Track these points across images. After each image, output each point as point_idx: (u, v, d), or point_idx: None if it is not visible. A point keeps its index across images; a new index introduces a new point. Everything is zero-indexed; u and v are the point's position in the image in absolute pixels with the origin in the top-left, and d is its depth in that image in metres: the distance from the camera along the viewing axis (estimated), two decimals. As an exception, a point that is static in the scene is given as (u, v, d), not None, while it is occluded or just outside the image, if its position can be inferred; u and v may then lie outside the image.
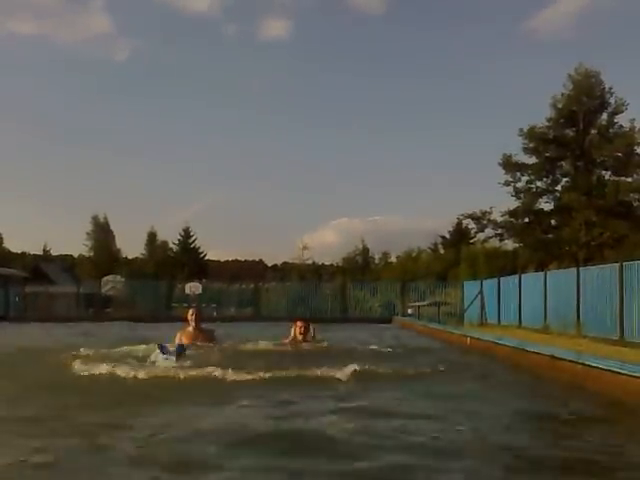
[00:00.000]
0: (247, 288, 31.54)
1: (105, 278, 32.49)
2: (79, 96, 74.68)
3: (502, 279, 21.63)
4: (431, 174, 74.80)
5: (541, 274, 18.30)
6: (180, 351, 7.25)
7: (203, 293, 29.53)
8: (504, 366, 8.45)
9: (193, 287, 29.68)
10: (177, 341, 8.81)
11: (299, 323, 9.49)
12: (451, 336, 13.47)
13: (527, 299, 18.67)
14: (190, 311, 9.02)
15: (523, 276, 19.80)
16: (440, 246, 52.79)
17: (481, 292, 22.73)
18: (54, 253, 63.44)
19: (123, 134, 74.93)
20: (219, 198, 78.18)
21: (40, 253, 61.15)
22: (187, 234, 56.37)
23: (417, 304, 25.47)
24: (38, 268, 48.38)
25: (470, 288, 25.09)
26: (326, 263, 58.53)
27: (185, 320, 9.11)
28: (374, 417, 4.66)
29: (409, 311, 26.49)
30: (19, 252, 60.99)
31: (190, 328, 8.84)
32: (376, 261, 57.49)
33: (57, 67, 73.70)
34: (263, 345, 9.20)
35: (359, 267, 53.45)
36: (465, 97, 69.28)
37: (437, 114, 70.33)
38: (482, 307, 22.42)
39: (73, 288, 32.53)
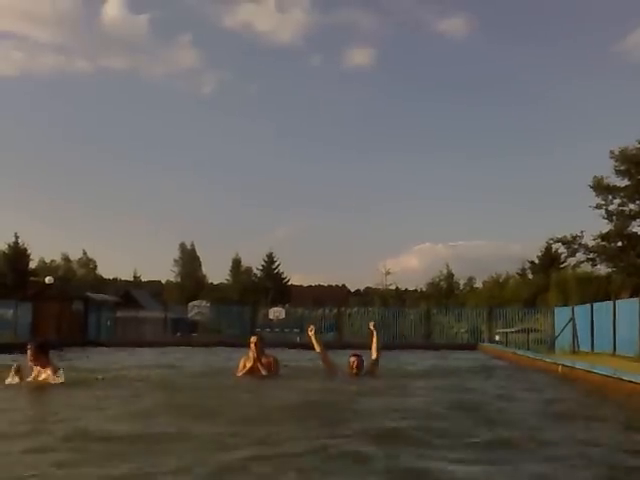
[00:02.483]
0: (330, 313, 31.38)
1: (191, 303, 33.13)
2: (166, 127, 77.67)
3: (595, 305, 20.56)
4: (518, 198, 73.02)
5: (636, 300, 17.27)
6: None
7: (286, 318, 29.54)
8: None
9: (276, 312, 29.78)
10: (240, 367, 8.75)
11: (352, 358, 9.04)
12: (542, 364, 12.81)
13: (622, 326, 17.64)
14: (252, 338, 8.80)
15: (617, 302, 18.75)
16: (528, 271, 51.09)
17: (573, 319, 21.68)
18: (144, 279, 65.66)
19: (209, 163, 77.30)
20: (302, 224, 78.98)
21: (131, 279, 63.43)
22: (271, 260, 57.03)
23: (505, 330, 24.60)
24: (129, 294, 50.02)
25: (561, 314, 23.99)
26: (409, 288, 57.82)
27: (248, 346, 8.81)
28: None
29: (496, 338, 25.61)
30: (111, 278, 63.46)
31: (252, 355, 8.64)
32: (461, 286, 56.25)
33: (147, 100, 76.95)
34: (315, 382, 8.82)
35: (443, 292, 52.40)
36: (553, 119, 67.56)
37: (523, 138, 69.03)
38: (574, 334, 21.36)
39: (161, 313, 33.34)
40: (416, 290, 57.08)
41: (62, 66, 71.06)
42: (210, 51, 77.21)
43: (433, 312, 31.30)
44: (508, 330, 24.33)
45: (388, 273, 49.12)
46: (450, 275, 54.92)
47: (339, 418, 5.55)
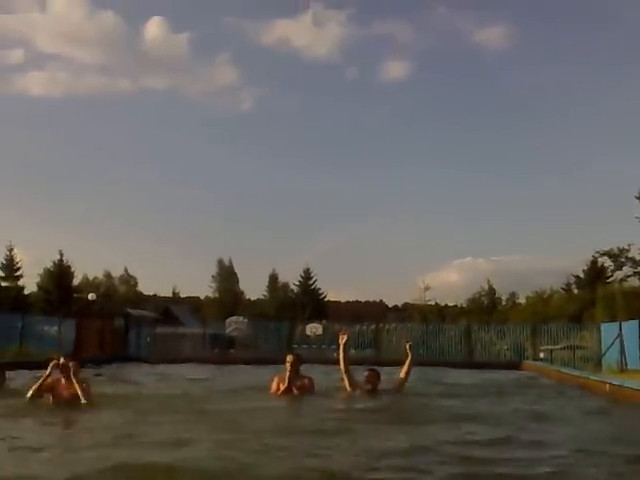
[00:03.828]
0: (367, 329, 30.97)
1: (229, 319, 33.11)
2: (205, 145, 78.50)
3: (644, 321, 19.76)
4: (562, 210, 71.42)
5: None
6: None
7: (323, 334, 29.26)
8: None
9: (313, 328, 29.55)
10: (274, 386, 8.45)
11: (367, 373, 8.86)
12: (588, 382, 12.27)
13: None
14: (289, 357, 8.47)
15: (668, 318, 17.97)
16: (574, 286, 49.86)
17: (620, 335, 20.86)
18: (182, 295, 66.22)
19: (247, 179, 77.82)
20: (340, 239, 78.59)
21: (170, 295, 64.00)
22: (308, 276, 56.90)
23: (550, 347, 23.86)
24: (168, 310, 50.46)
25: (608, 331, 23.12)
26: (449, 304, 56.95)
27: (285, 363, 8.52)
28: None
29: (541, 355, 24.84)
30: (151, 294, 64.16)
31: (287, 374, 8.34)
32: (503, 302, 55.17)
33: (186, 118, 77.98)
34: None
35: (485, 308, 51.43)
36: (595, 131, 66.17)
37: (566, 150, 67.60)
38: (621, 351, 20.53)
39: (199, 329, 33.40)
40: (456, 306, 56.25)
41: (105, 86, 72.66)
42: (248, 68, 78.20)
43: (474, 328, 30.55)
44: (553, 347, 23.56)
45: (427, 288, 48.54)
46: (492, 290, 53.95)
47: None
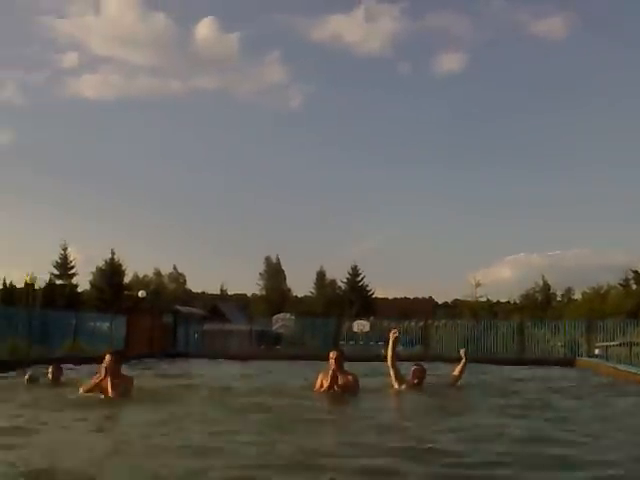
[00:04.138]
0: (416, 326, 30.55)
1: (276, 316, 33.12)
2: (255, 144, 78.91)
3: None
4: (619, 203, 69.19)
5: None
6: None
7: (371, 331, 29.03)
8: None
9: (361, 325, 29.36)
10: (317, 383, 8.29)
11: (413, 368, 8.83)
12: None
13: None
14: (332, 353, 8.27)
15: None
16: (632, 281, 48.27)
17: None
18: (230, 292, 66.72)
19: (296, 177, 77.86)
20: (387, 235, 77.89)
21: (218, 293, 64.58)
22: (355, 272, 56.63)
23: (605, 344, 23.02)
24: (216, 307, 50.88)
25: (668, 327, 22.19)
26: (501, 300, 55.78)
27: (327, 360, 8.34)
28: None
29: (596, 352, 23.99)
30: (199, 292, 64.90)
31: (331, 370, 8.14)
32: (558, 298, 53.75)
33: (237, 118, 78.47)
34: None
35: (539, 304, 50.19)
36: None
37: (622, 140, 65.41)
38: (682, 348, 19.65)
39: (246, 326, 33.50)
40: (509, 302, 55.06)
41: (156, 88, 73.57)
42: (298, 65, 77.95)
43: (527, 325, 29.81)
44: (609, 344, 22.70)
45: (478, 284, 47.69)
46: (546, 286, 52.63)
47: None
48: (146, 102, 74.19)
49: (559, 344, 27.86)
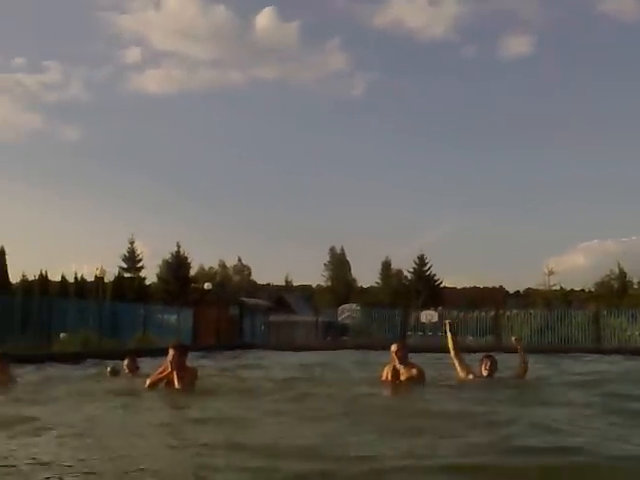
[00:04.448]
0: (486, 316, 29.82)
1: (341, 307, 32.93)
2: (317, 133, 78.77)
3: None
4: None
5: None
6: None
7: (439, 321, 28.49)
8: None
9: (429, 315, 28.99)
10: (384, 375, 7.90)
11: (484, 359, 8.27)
12: None
13: None
14: (393, 346, 7.86)
15: None
16: None
17: None
18: (295, 284, 66.79)
19: (358, 166, 77.37)
20: (455, 223, 76.40)
21: (282, 284, 64.84)
22: (422, 262, 55.73)
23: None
24: (281, 298, 51.04)
25: None
26: (575, 289, 53.84)
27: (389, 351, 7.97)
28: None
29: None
30: (264, 283, 65.31)
31: (395, 364, 7.75)
32: (635, 286, 51.38)
33: (297, 107, 78.47)
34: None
35: (615, 292, 48.14)
36: None
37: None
38: None
39: (312, 317, 33.43)
40: (583, 290, 53.14)
41: (217, 80, 74.21)
42: (360, 53, 77.25)
43: (603, 314, 28.63)
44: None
45: (551, 273, 46.15)
46: (622, 273, 50.43)
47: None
48: (207, 95, 75.08)
49: (637, 333, 26.79)
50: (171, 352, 7.19)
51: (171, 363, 7.14)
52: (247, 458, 3.85)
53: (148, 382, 7.25)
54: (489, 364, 8.13)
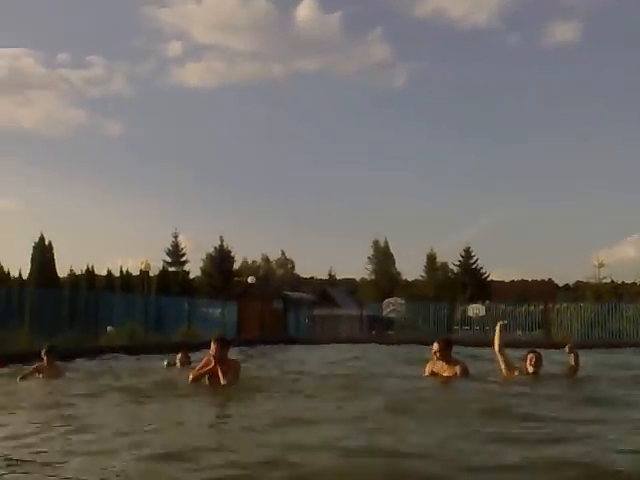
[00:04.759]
0: (535, 310, 29.19)
1: (386, 301, 32.56)
2: (360, 125, 78.33)
3: None
4: None
5: None
6: None
7: (486, 315, 28.02)
8: None
9: (476, 309, 28.54)
10: (426, 371, 7.70)
11: (529, 355, 7.88)
12: None
13: None
14: (434, 345, 7.61)
15: None
16: None
17: None
18: (339, 277, 66.66)
19: (402, 157, 76.62)
20: (503, 215, 74.93)
21: (326, 278, 64.73)
22: (468, 255, 54.94)
23: None
24: (325, 292, 50.95)
25: None
26: (626, 282, 52.32)
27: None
28: None
29: None
30: (308, 277, 65.35)
31: (437, 360, 7.54)
32: (688, 278, 49.66)
33: (340, 99, 78.07)
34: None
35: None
36: None
37: None
38: None
39: (356, 311, 33.23)
40: (634, 284, 51.60)
41: (258, 72, 74.32)
42: (401, 43, 76.36)
43: (655, 307, 27.75)
44: None
45: (602, 265, 44.83)
46: (675, 265, 48.86)
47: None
48: (248, 87, 75.36)
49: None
50: (213, 345, 7.09)
51: (214, 357, 7.04)
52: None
53: (191, 377, 7.16)
54: (534, 360, 7.81)
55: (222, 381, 6.93)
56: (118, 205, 74.42)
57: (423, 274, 57.94)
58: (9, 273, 41.91)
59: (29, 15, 71.84)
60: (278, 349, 19.17)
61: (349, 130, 77.07)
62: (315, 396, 6.63)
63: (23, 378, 8.32)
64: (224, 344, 7.23)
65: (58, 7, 72.79)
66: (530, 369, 7.76)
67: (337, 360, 13.22)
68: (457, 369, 7.53)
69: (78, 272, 44.02)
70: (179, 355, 9.80)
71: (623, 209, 68.78)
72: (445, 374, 7.49)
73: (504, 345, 8.04)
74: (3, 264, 43.16)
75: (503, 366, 7.91)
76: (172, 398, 6.54)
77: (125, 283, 38.44)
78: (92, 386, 7.73)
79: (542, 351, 8.48)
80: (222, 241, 51.91)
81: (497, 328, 8.12)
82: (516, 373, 7.81)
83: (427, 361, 7.91)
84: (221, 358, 7.04)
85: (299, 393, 6.96)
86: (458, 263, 55.28)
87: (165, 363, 9.99)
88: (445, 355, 7.58)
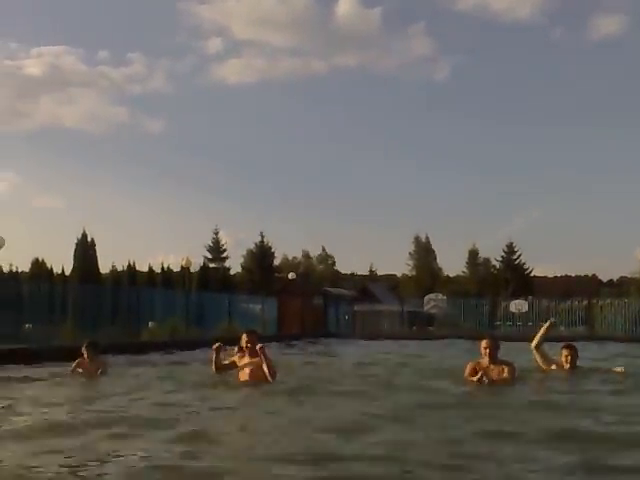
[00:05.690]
0: (579, 305, 28.67)
1: (427, 296, 32.29)
2: (401, 119, 77.84)
3: None
4: None
5: None
6: None
7: (529, 311, 27.60)
8: None
9: (518, 305, 28.16)
10: (467, 371, 7.11)
11: (564, 351, 7.70)
12: None
13: None
14: (484, 342, 7.07)
15: None
16: None
17: None
18: (379, 273, 66.43)
19: (444, 152, 75.89)
20: (546, 211, 73.65)
21: (367, 273, 64.56)
22: (511, 250, 54.17)
23: None
24: (366, 288, 50.79)
25: None
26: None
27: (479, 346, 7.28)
28: None
29: None
30: (348, 273, 65.26)
31: (484, 360, 7.03)
32: None
33: (381, 94, 77.54)
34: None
35: None
36: None
37: None
38: None
39: (397, 306, 33.07)
40: (678, 279, 50.21)
41: (298, 68, 74.53)
42: (443, 37, 76.11)
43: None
44: None
45: (646, 261, 43.86)
46: None
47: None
48: (288, 83, 75.59)
49: None
50: (244, 337, 7.13)
51: (244, 348, 7.09)
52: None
53: (214, 367, 7.23)
54: (569, 354, 7.65)
55: (269, 378, 6.92)
56: (159, 202, 75.61)
57: (465, 270, 57.45)
58: (52, 269, 43.08)
59: (69, 14, 73.74)
60: (318, 344, 19.18)
61: (391, 125, 76.87)
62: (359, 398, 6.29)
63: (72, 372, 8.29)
64: (255, 336, 7.27)
65: (98, 5, 74.26)
66: (566, 365, 7.61)
67: (378, 357, 13.00)
68: (505, 372, 7.03)
69: (120, 268, 44.95)
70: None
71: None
72: (493, 377, 6.96)
73: (543, 341, 7.80)
74: (46, 261, 44.51)
75: (540, 362, 7.75)
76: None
77: (166, 279, 39.02)
78: (133, 382, 7.76)
79: (584, 345, 8.29)
80: (262, 237, 52.27)
81: (546, 324, 8.00)
82: (553, 366, 7.68)
83: (468, 362, 7.38)
84: (251, 351, 7.06)
85: (342, 394, 6.63)
86: (500, 259, 54.64)
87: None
88: (494, 355, 7.12)
